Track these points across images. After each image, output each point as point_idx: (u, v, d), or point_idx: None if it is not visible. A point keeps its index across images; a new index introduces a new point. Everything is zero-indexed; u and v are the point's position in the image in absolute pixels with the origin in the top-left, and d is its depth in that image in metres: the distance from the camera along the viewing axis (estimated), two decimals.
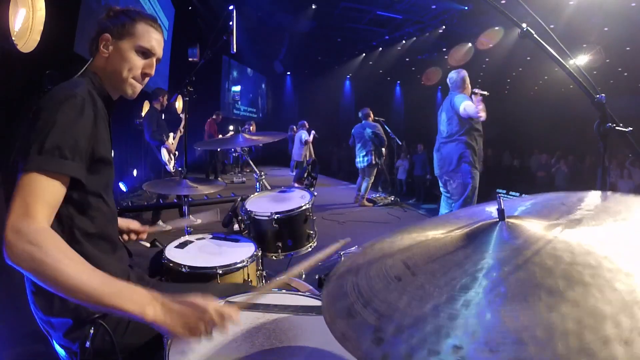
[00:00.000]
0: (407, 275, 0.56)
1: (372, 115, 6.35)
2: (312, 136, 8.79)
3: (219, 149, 8.31)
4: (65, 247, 0.82)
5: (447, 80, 3.70)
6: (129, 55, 1.11)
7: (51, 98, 0.94)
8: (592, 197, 0.68)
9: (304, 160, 8.65)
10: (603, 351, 0.36)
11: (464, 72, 3.63)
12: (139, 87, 1.16)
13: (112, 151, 1.13)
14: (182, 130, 4.77)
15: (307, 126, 8.96)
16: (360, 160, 6.31)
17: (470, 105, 3.41)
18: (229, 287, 1.39)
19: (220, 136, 8.30)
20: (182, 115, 4.73)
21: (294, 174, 8.05)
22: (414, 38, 13.36)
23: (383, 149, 6.35)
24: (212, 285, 1.39)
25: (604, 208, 0.63)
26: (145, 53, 1.14)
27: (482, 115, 3.31)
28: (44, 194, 0.84)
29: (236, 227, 2.04)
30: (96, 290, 0.78)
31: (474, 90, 3.55)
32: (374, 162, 6.21)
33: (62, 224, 0.97)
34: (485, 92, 3.46)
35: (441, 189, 3.90)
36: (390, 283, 0.56)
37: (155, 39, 1.15)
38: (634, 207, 0.62)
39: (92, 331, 1.00)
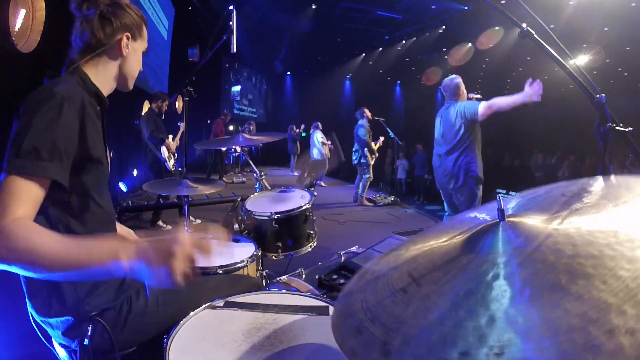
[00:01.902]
0: (412, 287, 0.56)
1: (367, 114, 6.43)
2: (326, 140, 8.74)
3: (224, 149, 8.31)
4: (35, 229, 0.81)
5: (441, 88, 3.51)
6: (140, 56, 1.18)
7: (31, 99, 0.93)
8: (592, 184, 0.67)
9: (325, 160, 8.61)
10: (608, 344, 0.36)
11: (459, 79, 3.42)
12: None
13: (107, 150, 1.12)
14: (178, 141, 4.79)
15: (321, 127, 8.90)
16: (354, 159, 6.63)
17: (485, 103, 3.09)
18: (228, 280, 1.38)
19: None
20: (181, 125, 4.74)
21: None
22: (414, 38, 13.35)
23: (365, 149, 6.44)
24: (211, 280, 1.37)
25: (604, 194, 0.62)
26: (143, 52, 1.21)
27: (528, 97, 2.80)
28: (22, 195, 0.83)
29: (236, 227, 2.04)
30: (71, 254, 0.78)
31: (469, 95, 3.39)
32: (361, 160, 6.47)
33: (52, 226, 0.95)
34: (479, 95, 3.32)
35: (444, 200, 3.66)
36: (397, 296, 0.56)
37: None
38: (634, 189, 0.61)
39: (90, 328, 1.00)
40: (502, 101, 3.03)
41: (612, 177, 0.67)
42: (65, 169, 0.92)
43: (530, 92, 2.81)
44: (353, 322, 0.56)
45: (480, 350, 0.40)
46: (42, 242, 0.78)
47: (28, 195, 0.84)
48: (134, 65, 1.16)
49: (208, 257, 0.82)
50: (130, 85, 1.19)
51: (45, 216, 0.93)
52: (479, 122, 3.20)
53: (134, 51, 1.14)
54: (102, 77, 1.11)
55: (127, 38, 1.11)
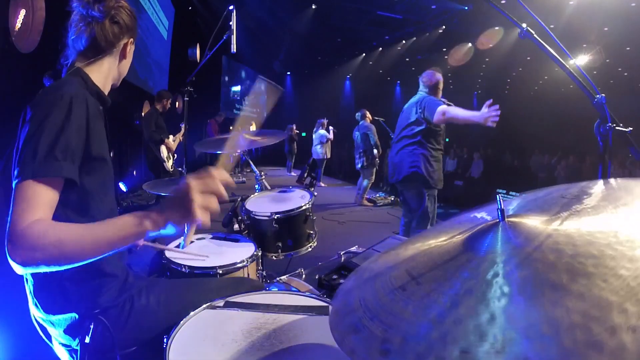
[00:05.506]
0: (411, 285, 0.56)
1: (368, 115, 6.42)
2: (331, 133, 8.58)
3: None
4: (59, 231, 0.82)
5: (420, 77, 3.31)
6: (132, 57, 1.21)
7: (38, 102, 0.93)
8: (592, 187, 0.68)
9: (324, 159, 8.54)
10: (611, 341, 0.36)
11: (441, 76, 3.26)
12: None
13: (110, 150, 1.13)
14: (181, 138, 4.77)
15: (326, 125, 8.69)
16: (356, 162, 6.54)
17: (450, 109, 2.90)
18: (230, 282, 1.38)
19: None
20: (182, 125, 4.73)
21: (319, 172, 8.20)
22: (414, 38, 13.35)
23: (375, 151, 6.40)
24: (213, 282, 1.38)
25: (604, 196, 0.63)
26: None
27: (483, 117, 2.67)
28: (37, 199, 0.84)
29: (236, 227, 2.04)
30: (104, 241, 0.83)
31: (442, 98, 3.17)
32: (365, 163, 6.39)
33: None
34: (450, 103, 3.07)
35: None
36: (396, 294, 0.56)
37: None
38: (634, 191, 0.61)
39: (92, 326, 1.00)
40: (459, 113, 2.87)
41: (612, 180, 0.67)
42: (77, 168, 0.94)
43: (486, 115, 2.67)
44: (351, 319, 0.56)
45: (481, 349, 0.40)
46: (72, 243, 0.81)
47: (43, 198, 0.85)
48: (127, 66, 1.21)
49: (218, 193, 0.87)
50: (118, 84, 1.23)
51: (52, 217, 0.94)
52: (432, 123, 3.02)
53: (131, 53, 1.19)
54: (104, 77, 1.12)
55: (131, 43, 1.15)
